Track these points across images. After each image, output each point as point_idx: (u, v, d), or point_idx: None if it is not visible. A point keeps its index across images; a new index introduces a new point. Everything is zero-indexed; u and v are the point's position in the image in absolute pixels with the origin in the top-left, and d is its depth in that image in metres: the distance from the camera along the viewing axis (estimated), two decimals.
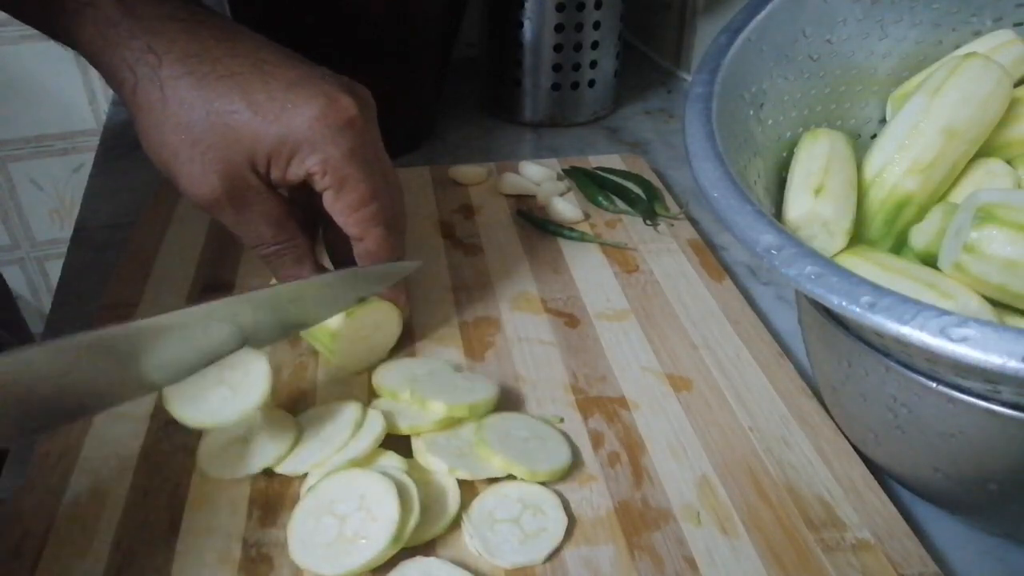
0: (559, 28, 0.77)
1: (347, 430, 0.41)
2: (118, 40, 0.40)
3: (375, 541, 0.36)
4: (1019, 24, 0.46)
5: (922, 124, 0.42)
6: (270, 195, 0.43)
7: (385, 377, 0.46)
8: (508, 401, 0.46)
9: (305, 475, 0.41)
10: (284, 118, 0.41)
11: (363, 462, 0.40)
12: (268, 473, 0.41)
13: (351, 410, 0.42)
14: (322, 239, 0.50)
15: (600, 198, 0.66)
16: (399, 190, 0.47)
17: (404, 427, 0.42)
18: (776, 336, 0.52)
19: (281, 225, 0.44)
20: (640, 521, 0.39)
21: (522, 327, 0.52)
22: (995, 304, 0.37)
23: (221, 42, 0.42)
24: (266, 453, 0.41)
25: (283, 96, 0.41)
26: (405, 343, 0.50)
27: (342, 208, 0.43)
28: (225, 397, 0.39)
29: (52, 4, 0.41)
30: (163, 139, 0.41)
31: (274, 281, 0.48)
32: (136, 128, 0.42)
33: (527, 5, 0.77)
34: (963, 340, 0.27)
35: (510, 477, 0.40)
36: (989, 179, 0.43)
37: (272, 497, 0.40)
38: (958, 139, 0.41)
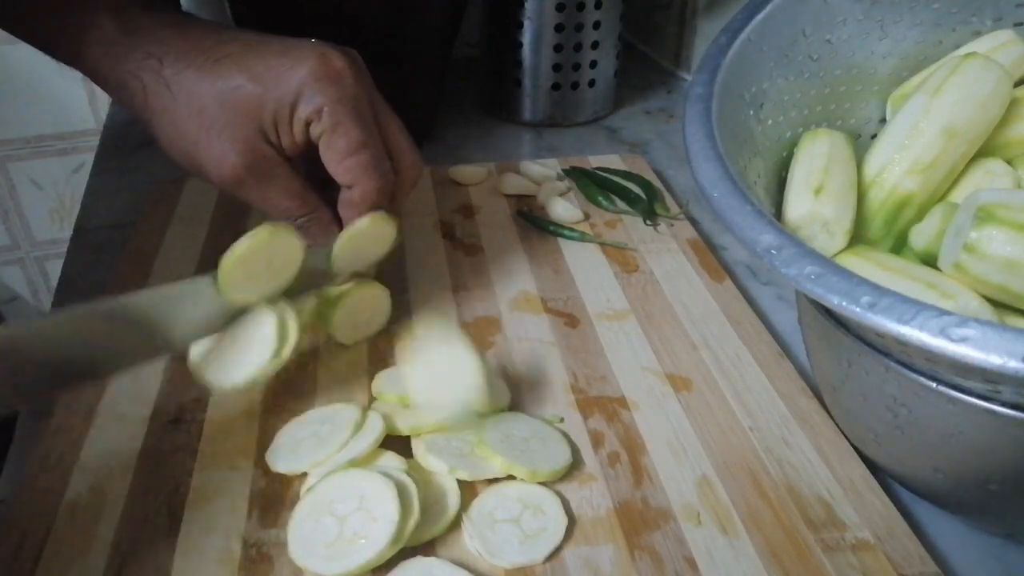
0: (559, 28, 0.77)
1: (347, 431, 0.41)
2: (121, 55, 0.43)
3: (375, 541, 0.36)
4: (1019, 24, 0.46)
5: (922, 124, 0.42)
6: (287, 168, 0.45)
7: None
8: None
9: (305, 475, 0.41)
10: (282, 81, 0.43)
11: (363, 462, 0.40)
12: (268, 472, 0.41)
13: (351, 411, 0.43)
14: None
15: (600, 198, 0.66)
16: (412, 152, 0.48)
17: (404, 428, 0.42)
18: (776, 336, 0.52)
19: (303, 197, 0.46)
20: (640, 521, 0.39)
21: (522, 327, 0.52)
22: (995, 304, 0.37)
23: (210, 34, 0.45)
24: (259, 356, 0.42)
25: (278, 62, 0.43)
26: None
27: (333, 155, 0.44)
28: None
29: (58, 29, 0.43)
30: (179, 132, 0.43)
31: None
32: (154, 133, 0.45)
33: (527, 5, 0.77)
34: (963, 340, 0.27)
35: (510, 477, 0.40)
36: (989, 179, 0.43)
37: (272, 497, 0.40)
38: (958, 139, 0.41)
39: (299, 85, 0.43)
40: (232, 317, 0.43)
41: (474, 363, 0.42)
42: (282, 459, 0.41)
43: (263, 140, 0.44)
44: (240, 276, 0.41)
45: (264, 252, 0.41)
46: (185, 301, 0.41)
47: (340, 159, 0.44)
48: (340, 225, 0.47)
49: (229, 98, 0.43)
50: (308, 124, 0.44)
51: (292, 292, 0.45)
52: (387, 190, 0.46)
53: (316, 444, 0.41)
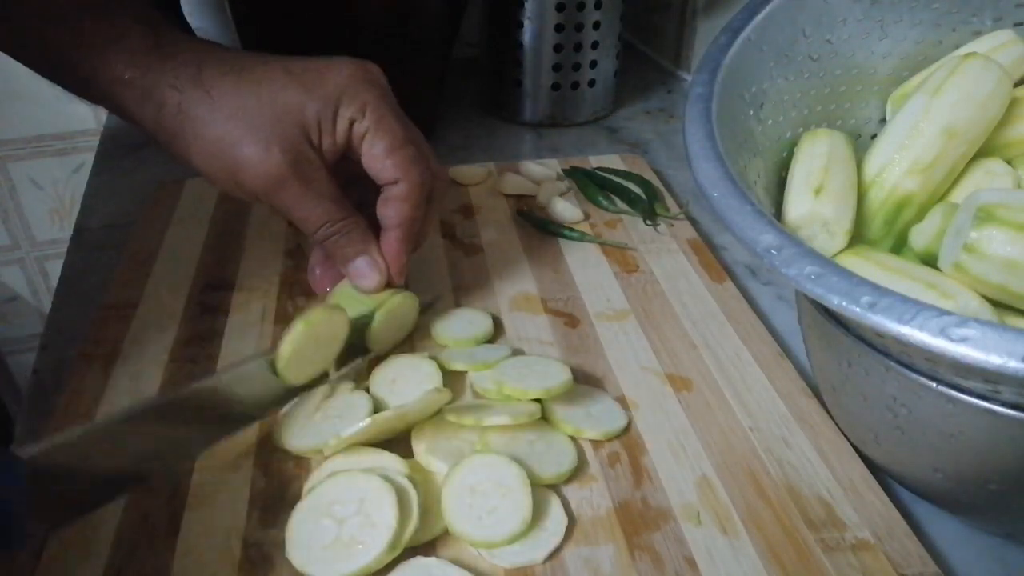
0: (559, 28, 0.77)
1: (365, 407, 0.42)
2: (153, 64, 0.43)
3: (372, 547, 0.36)
4: (1019, 24, 0.46)
5: (922, 124, 0.42)
6: (326, 172, 0.45)
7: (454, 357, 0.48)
8: None
9: (306, 475, 0.41)
10: (325, 81, 0.44)
11: (364, 462, 0.40)
12: (268, 472, 0.41)
13: (361, 396, 0.43)
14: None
15: (600, 198, 0.66)
16: (435, 160, 0.49)
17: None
18: (776, 336, 0.52)
19: (341, 202, 0.46)
20: (640, 521, 0.39)
21: (522, 327, 0.52)
22: (995, 304, 0.37)
23: (242, 53, 0.45)
24: (342, 425, 0.43)
25: (317, 66, 0.45)
26: (405, 341, 0.50)
27: (378, 151, 0.45)
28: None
29: (79, 43, 0.42)
30: (218, 134, 0.43)
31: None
32: (183, 144, 0.44)
33: (527, 5, 0.77)
34: (963, 340, 0.27)
35: None
36: (989, 179, 0.43)
37: (272, 497, 0.40)
38: (958, 139, 0.41)
39: (341, 86, 0.44)
40: (291, 393, 0.44)
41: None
42: (296, 437, 0.41)
43: (305, 140, 0.44)
44: (297, 360, 0.43)
45: (315, 333, 0.43)
46: (245, 384, 0.42)
47: (386, 155, 0.45)
48: (375, 234, 0.47)
49: (272, 98, 0.43)
50: (352, 123, 0.44)
51: (337, 365, 0.46)
52: (428, 188, 0.47)
53: (335, 424, 0.42)
